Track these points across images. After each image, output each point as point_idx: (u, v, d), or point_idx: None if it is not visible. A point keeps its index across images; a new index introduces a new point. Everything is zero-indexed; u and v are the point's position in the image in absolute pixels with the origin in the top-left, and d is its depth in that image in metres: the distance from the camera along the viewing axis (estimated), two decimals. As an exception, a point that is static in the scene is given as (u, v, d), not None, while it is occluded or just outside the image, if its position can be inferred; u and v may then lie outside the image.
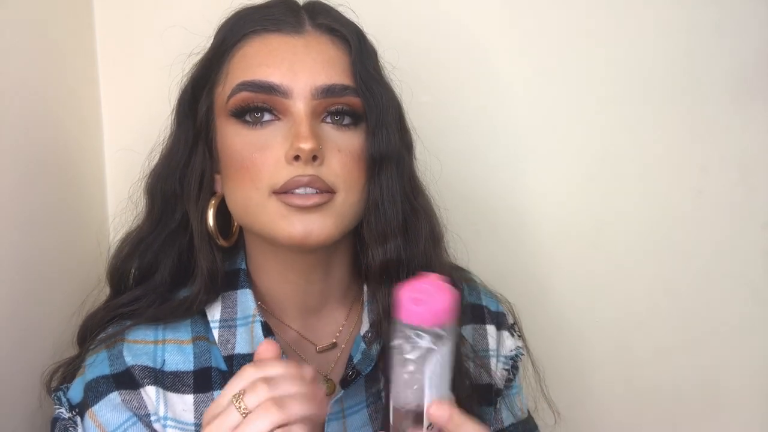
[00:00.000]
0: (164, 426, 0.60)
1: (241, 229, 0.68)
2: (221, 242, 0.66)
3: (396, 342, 0.50)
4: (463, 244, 0.77)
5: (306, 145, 0.57)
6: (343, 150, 0.61)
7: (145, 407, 0.60)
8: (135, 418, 0.60)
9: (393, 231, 0.63)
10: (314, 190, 0.59)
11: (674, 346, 0.95)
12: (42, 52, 0.76)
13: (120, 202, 0.71)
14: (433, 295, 0.50)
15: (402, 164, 0.64)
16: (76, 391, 0.61)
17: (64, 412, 0.60)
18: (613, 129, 0.93)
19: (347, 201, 0.61)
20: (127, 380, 0.61)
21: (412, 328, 0.49)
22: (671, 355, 0.95)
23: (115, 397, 0.60)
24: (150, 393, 0.61)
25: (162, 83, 0.69)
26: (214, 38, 0.66)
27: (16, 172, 0.70)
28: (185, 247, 0.67)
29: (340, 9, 0.67)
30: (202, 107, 0.65)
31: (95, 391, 0.60)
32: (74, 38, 0.85)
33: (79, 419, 0.60)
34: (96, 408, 0.59)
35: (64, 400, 0.61)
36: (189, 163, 0.66)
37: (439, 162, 0.76)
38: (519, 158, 0.94)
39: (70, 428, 0.60)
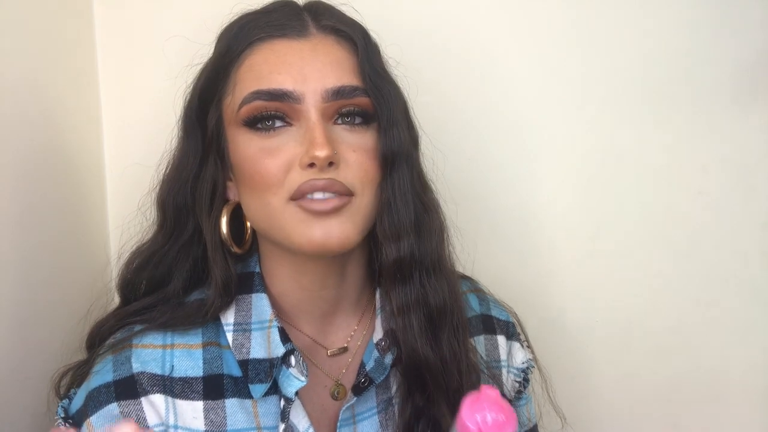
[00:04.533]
0: None
1: (254, 234, 0.68)
2: (235, 249, 0.66)
3: None
4: (464, 243, 0.77)
5: (321, 153, 0.57)
6: (358, 150, 0.61)
7: (145, 420, 0.60)
8: None
9: (406, 229, 0.63)
10: (332, 194, 0.59)
11: (674, 346, 0.95)
12: (41, 54, 0.76)
13: (121, 210, 0.71)
14: (501, 427, 0.52)
15: (411, 161, 0.64)
16: (79, 398, 0.61)
17: (61, 423, 0.60)
18: (613, 129, 0.93)
19: (364, 201, 0.61)
20: (128, 389, 0.60)
21: None
22: (671, 355, 0.96)
23: (113, 408, 0.59)
24: (157, 402, 0.60)
25: (163, 89, 0.69)
26: (217, 47, 0.65)
27: (17, 176, 0.70)
28: (199, 257, 0.67)
29: (342, 8, 0.67)
30: (212, 119, 0.65)
31: (95, 401, 0.60)
32: (74, 41, 0.84)
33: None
34: (93, 419, 0.59)
35: (60, 411, 0.61)
36: (200, 174, 0.65)
37: (443, 156, 0.75)
38: (519, 158, 0.94)
39: None
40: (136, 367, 0.61)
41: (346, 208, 0.60)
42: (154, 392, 0.60)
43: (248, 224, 0.67)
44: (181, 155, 0.67)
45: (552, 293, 0.96)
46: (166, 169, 0.68)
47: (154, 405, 0.60)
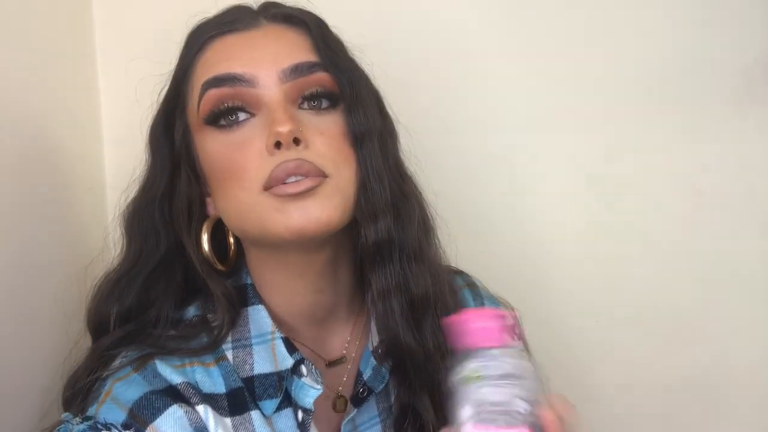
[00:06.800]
0: None
1: (239, 249, 0.66)
2: (219, 267, 0.63)
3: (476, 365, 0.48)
4: (460, 245, 0.77)
5: (284, 128, 0.55)
6: (326, 132, 0.59)
7: (204, 422, 0.56)
8: None
9: (382, 209, 0.60)
10: (303, 177, 0.56)
11: (674, 346, 0.95)
12: (41, 54, 0.76)
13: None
14: (492, 318, 0.50)
15: (384, 143, 0.62)
16: (113, 415, 0.54)
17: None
18: (612, 128, 0.93)
19: (343, 180, 0.58)
20: (176, 395, 0.56)
21: (488, 350, 0.49)
22: (671, 355, 0.95)
23: (176, 410, 0.55)
24: (201, 412, 0.57)
25: (161, 86, 0.68)
26: (178, 60, 0.64)
27: (16, 177, 0.70)
28: (181, 279, 0.64)
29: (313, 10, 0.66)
30: (179, 131, 0.63)
31: (150, 408, 0.54)
32: (74, 41, 0.84)
33: None
34: (158, 423, 0.54)
35: (100, 426, 0.54)
36: (173, 192, 0.63)
37: (433, 160, 0.74)
38: (518, 157, 0.94)
39: None
40: (169, 378, 0.57)
41: (320, 188, 0.56)
42: (195, 402, 0.57)
43: (231, 240, 0.65)
44: (148, 174, 0.65)
45: (551, 293, 0.96)
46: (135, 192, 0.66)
47: (201, 413, 0.56)
